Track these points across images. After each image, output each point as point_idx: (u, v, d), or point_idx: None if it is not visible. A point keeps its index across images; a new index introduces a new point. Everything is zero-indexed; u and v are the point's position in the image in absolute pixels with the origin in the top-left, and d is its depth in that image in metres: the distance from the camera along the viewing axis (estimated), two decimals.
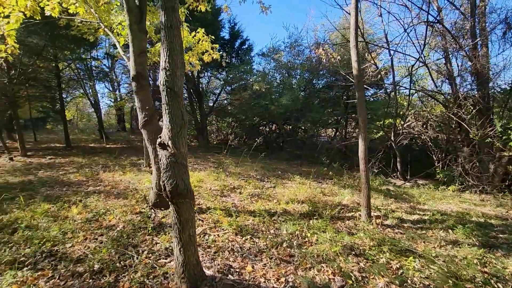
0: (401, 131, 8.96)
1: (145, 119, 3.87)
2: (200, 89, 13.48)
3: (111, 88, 21.22)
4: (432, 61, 8.40)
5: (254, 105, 12.22)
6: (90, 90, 15.30)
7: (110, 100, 21.32)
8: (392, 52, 8.37)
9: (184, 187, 2.09)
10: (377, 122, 9.73)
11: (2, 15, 4.59)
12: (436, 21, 7.46)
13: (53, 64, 10.92)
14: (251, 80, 11.42)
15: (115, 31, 6.93)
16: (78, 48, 10.45)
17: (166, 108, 2.07)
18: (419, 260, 2.89)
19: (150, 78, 16.21)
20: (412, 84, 8.61)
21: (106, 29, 4.54)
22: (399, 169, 9.07)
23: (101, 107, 16.62)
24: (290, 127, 14.37)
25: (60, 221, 3.64)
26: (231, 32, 13.70)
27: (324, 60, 9.65)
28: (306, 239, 3.32)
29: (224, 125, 16.38)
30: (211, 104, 14.62)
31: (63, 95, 12.19)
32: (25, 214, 3.77)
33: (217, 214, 3.95)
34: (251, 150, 7.43)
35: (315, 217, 4.00)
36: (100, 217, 3.77)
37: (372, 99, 13.84)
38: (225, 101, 16.07)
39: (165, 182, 2.07)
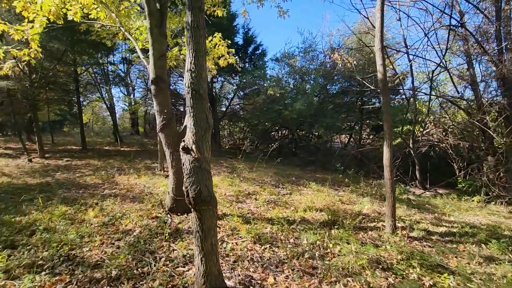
0: (420, 138, 8.66)
1: (163, 123, 3.83)
2: (213, 93, 13.55)
3: (126, 93, 21.67)
4: (454, 66, 8.12)
5: (267, 110, 12.15)
6: (106, 94, 15.64)
7: (125, 104, 21.74)
8: (411, 57, 8.14)
9: (208, 194, 1.99)
10: (395, 129, 9.45)
11: (26, 20, 4.71)
12: (459, 24, 7.21)
13: (72, 69, 11.23)
14: (265, 84, 11.38)
15: (133, 35, 7.03)
16: (96, 53, 10.70)
17: (191, 111, 2.00)
18: (454, 277, 2.68)
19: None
20: (432, 90, 8.32)
21: (126, 33, 4.57)
22: (418, 177, 8.74)
23: (116, 111, 16.94)
24: (303, 132, 14.20)
25: (77, 224, 3.61)
26: (245, 37, 13.75)
27: (340, 65, 9.49)
28: (328, 250, 3.16)
29: (236, 130, 16.37)
30: (224, 109, 14.65)
31: (80, 99, 12.47)
32: (43, 216, 3.77)
33: (234, 221, 3.84)
34: (267, 155, 7.31)
35: (335, 227, 3.83)
36: (116, 221, 3.73)
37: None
38: (237, 106, 16.07)
39: (188, 188, 1.98)
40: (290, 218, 4.19)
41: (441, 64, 7.48)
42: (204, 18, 2.07)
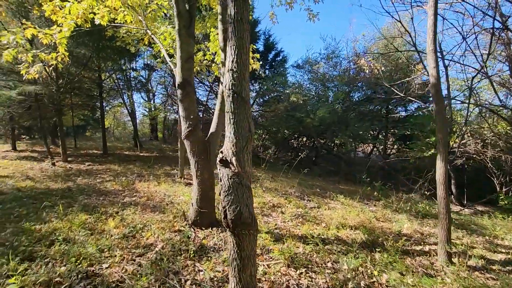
0: (456, 150, 8.00)
1: (189, 129, 3.59)
2: None
3: (146, 98, 22.03)
4: (495, 73, 7.48)
5: (288, 117, 11.82)
6: (128, 100, 15.87)
7: (145, 110, 22.09)
8: (447, 62, 7.59)
9: (249, 215, 1.69)
10: (427, 139, 8.82)
11: (55, 25, 4.71)
12: (502, 27, 6.64)
13: (96, 75, 11.44)
14: (287, 91, 11.07)
15: None
16: (120, 59, 10.85)
17: (231, 117, 1.71)
18: None
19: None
20: (470, 98, 7.69)
21: (152, 36, 4.43)
22: (454, 192, 8.05)
23: (136, 117, 17.16)
24: (323, 141, 13.72)
25: (96, 235, 3.41)
26: (266, 44, 13.58)
27: (367, 71, 9.06)
28: (374, 279, 2.75)
29: (255, 138, 16.11)
30: None
31: (103, 104, 12.67)
32: (63, 225, 3.61)
33: (262, 238, 3.50)
34: (293, 165, 6.96)
35: (377, 249, 3.40)
36: (137, 233, 3.49)
37: (417, 114, 12.86)
38: (256, 113, 15.84)
39: (226, 208, 1.68)
40: (323, 236, 3.79)
41: (482, 70, 6.89)
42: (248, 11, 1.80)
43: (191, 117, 3.61)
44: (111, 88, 13.99)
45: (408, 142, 11.57)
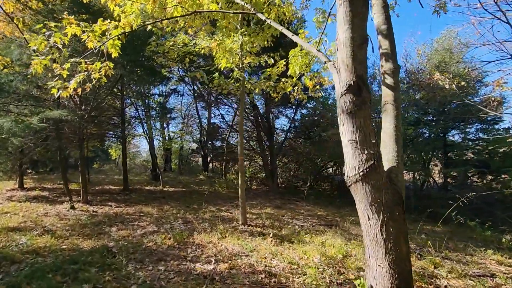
0: None
1: (371, 163, 2.00)
2: (271, 125, 11.96)
3: (160, 127, 20.64)
4: None
5: (334, 143, 10.30)
6: (147, 129, 14.46)
7: (159, 140, 20.61)
8: None
9: None
10: None
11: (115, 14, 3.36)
12: None
13: (120, 101, 10.14)
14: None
15: (216, 59, 5.70)
16: (152, 81, 9.58)
17: None
18: None
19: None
20: None
21: (267, 19, 2.98)
22: None
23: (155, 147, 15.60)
24: None
25: None
26: None
27: (447, 86, 7.74)
28: None
29: (292, 166, 14.46)
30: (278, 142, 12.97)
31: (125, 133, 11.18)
32: None
33: None
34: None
35: None
36: None
37: (476, 136, 11.40)
38: (285, 141, 14.39)
39: None
40: None
41: None
42: None
43: (372, 141, 2.04)
44: (132, 117, 12.65)
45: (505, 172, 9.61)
